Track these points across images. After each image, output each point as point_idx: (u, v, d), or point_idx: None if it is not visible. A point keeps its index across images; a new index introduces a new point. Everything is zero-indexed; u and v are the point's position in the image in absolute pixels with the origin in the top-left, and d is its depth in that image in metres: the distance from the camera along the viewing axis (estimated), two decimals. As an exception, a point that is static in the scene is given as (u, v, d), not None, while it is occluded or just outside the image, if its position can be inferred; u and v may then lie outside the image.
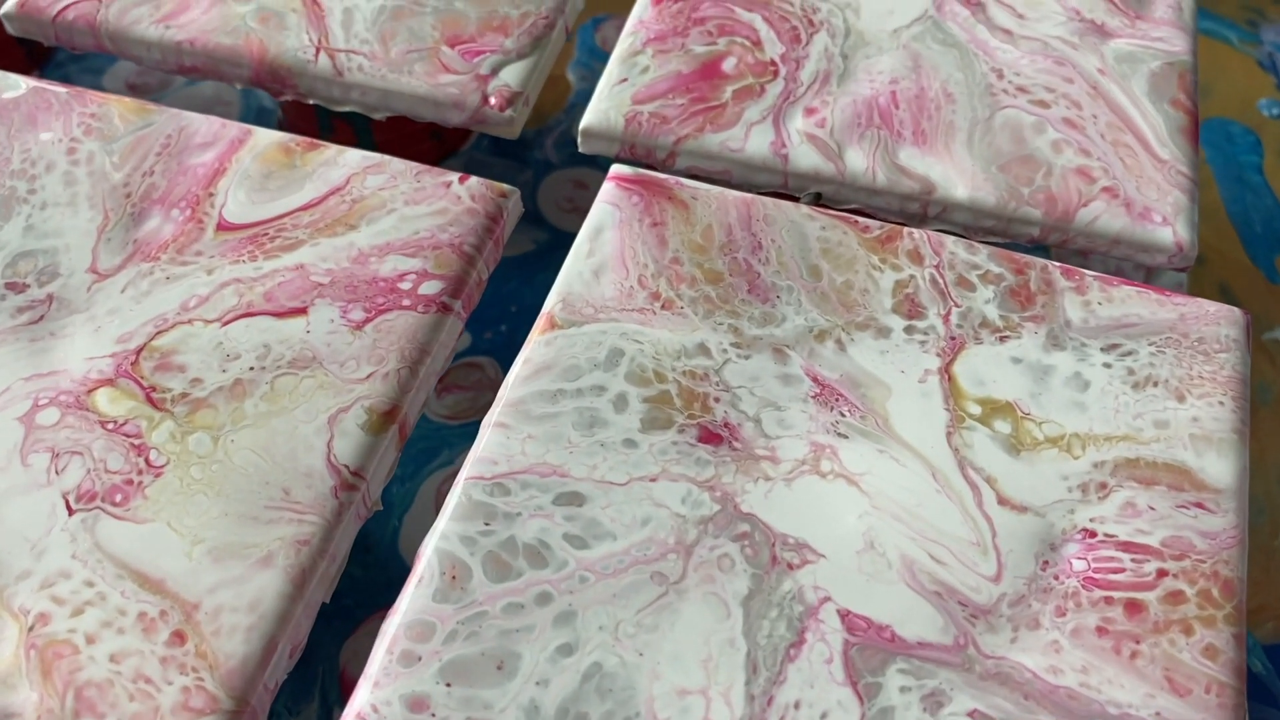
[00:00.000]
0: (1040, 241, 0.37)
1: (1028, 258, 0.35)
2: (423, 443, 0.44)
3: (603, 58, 0.58)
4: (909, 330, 0.34)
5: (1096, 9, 0.42)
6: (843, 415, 0.32)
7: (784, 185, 0.38)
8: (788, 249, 0.35)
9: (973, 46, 0.41)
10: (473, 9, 0.42)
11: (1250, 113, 0.57)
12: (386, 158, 0.38)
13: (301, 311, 0.34)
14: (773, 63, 0.40)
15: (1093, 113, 0.39)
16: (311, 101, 0.41)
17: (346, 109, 0.41)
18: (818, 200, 0.38)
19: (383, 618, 0.29)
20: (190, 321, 0.34)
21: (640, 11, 0.42)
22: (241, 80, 0.41)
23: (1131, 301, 0.34)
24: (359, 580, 0.41)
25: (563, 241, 0.51)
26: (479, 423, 0.46)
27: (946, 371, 0.33)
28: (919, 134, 0.38)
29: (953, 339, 0.33)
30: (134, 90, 0.55)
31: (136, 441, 0.31)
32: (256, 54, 0.41)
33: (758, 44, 0.41)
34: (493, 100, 0.40)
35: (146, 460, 0.31)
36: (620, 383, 0.32)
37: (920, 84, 0.40)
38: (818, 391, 0.32)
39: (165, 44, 0.41)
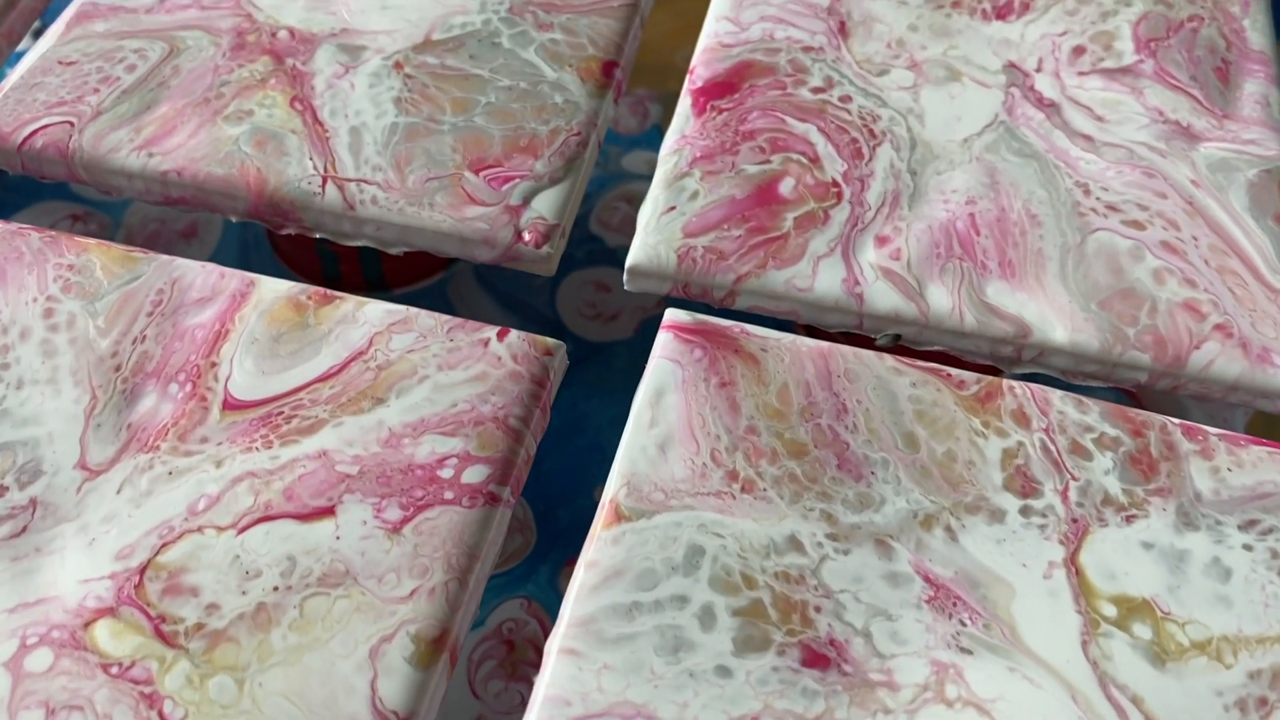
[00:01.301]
0: (1149, 387, 0.33)
1: (1144, 415, 0.32)
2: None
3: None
4: (1025, 512, 0.30)
5: (1180, 108, 0.39)
6: (964, 624, 0.28)
7: (858, 326, 0.34)
8: (877, 412, 0.31)
9: (1052, 157, 0.37)
10: (496, 126, 0.37)
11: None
12: (412, 311, 0.33)
13: (329, 512, 0.29)
14: (835, 183, 0.36)
15: (1192, 234, 0.35)
16: (318, 235, 0.37)
17: (359, 244, 0.36)
18: (897, 341, 0.34)
19: None
20: (200, 529, 0.29)
21: (681, 125, 0.38)
22: (237, 213, 0.37)
23: (1264, 465, 0.31)
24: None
25: (587, 354, 0.47)
26: (505, 576, 0.41)
27: (1073, 563, 0.29)
28: (1006, 265, 0.34)
29: (1075, 521, 0.29)
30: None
31: (147, 689, 0.27)
32: (254, 186, 0.36)
33: (816, 160, 0.37)
34: (526, 236, 0.35)
35: (160, 714, 0.26)
36: (705, 590, 0.28)
37: (1000, 204, 0.36)
38: (932, 594, 0.28)
39: (149, 175, 0.36)
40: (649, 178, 0.52)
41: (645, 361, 0.50)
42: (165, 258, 0.34)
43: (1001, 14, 0.41)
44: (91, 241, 0.35)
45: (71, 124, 0.37)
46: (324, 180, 0.36)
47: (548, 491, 0.43)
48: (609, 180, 0.52)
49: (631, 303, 0.48)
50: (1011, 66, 0.40)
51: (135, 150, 0.37)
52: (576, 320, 0.48)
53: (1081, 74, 0.39)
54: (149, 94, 0.38)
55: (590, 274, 0.49)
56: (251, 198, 0.36)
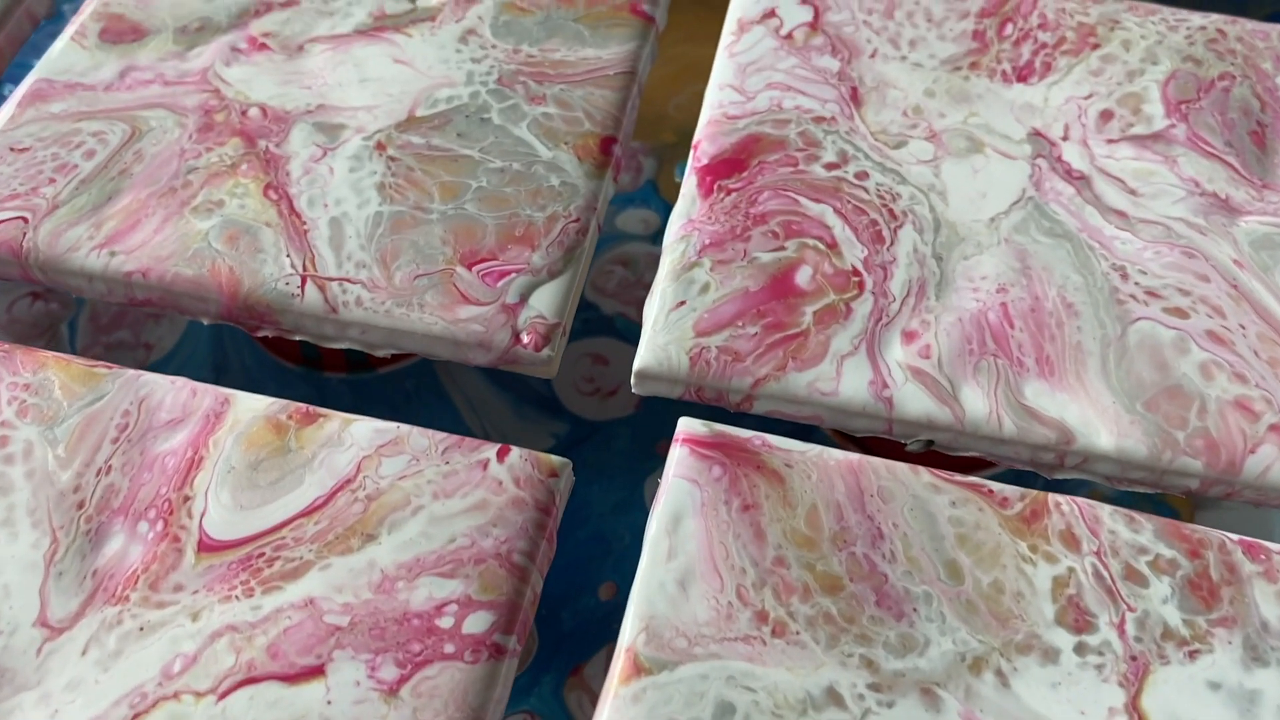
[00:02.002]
0: (1201, 494, 0.31)
1: (1200, 532, 0.29)
2: None
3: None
4: (1080, 649, 0.27)
5: (1216, 178, 0.36)
6: (1022, 788, 0.25)
7: (887, 431, 0.32)
8: (916, 538, 0.29)
9: (1085, 236, 0.35)
10: (488, 214, 0.35)
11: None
12: (403, 430, 0.30)
13: (318, 672, 0.26)
14: (855, 271, 0.34)
15: (1239, 321, 0.33)
16: (297, 338, 0.34)
17: (342, 346, 0.34)
18: (929, 447, 0.32)
19: None
20: (177, 695, 0.26)
21: (687, 208, 0.35)
22: (209, 316, 0.34)
23: (1334, 587, 0.28)
24: None
25: (585, 433, 0.44)
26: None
27: (1135, 709, 0.26)
28: (1043, 362, 0.32)
29: (1134, 659, 0.27)
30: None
31: None
32: (226, 288, 0.33)
33: (833, 246, 0.34)
34: (525, 338, 0.33)
35: None
36: (736, 754, 0.25)
37: (1034, 292, 0.33)
38: (985, 753, 0.26)
39: (110, 276, 0.34)
40: (645, 238, 0.50)
41: (648, 441, 0.48)
42: (130, 373, 0.31)
43: (1022, 76, 0.39)
44: (49, 356, 0.32)
45: (25, 219, 0.34)
46: (303, 280, 0.33)
47: (549, 591, 0.40)
48: (603, 242, 0.49)
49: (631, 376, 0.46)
50: (1036, 135, 0.37)
51: (96, 249, 0.34)
52: (573, 397, 0.45)
53: (1111, 141, 0.37)
54: (109, 183, 0.35)
55: (586, 345, 0.46)
56: (224, 301, 0.33)
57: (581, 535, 0.42)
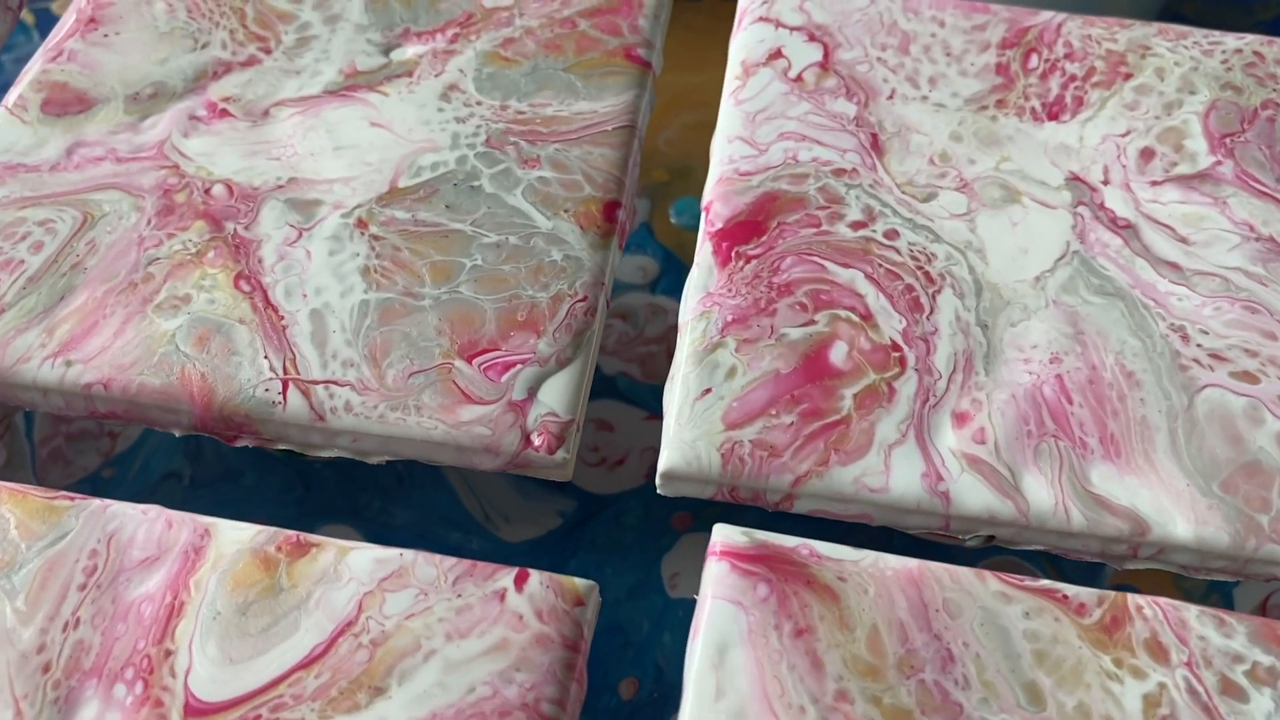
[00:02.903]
0: (1288, 582, 0.28)
1: (1299, 632, 0.27)
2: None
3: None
4: (1183, 783, 0.24)
5: (1271, 220, 0.33)
6: None
7: (944, 528, 0.29)
8: (990, 658, 0.26)
9: (1139, 294, 0.32)
10: (486, 297, 0.31)
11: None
12: (407, 557, 0.27)
13: None
14: (895, 346, 0.31)
15: (1313, 383, 0.30)
16: (281, 448, 0.30)
17: (331, 455, 0.30)
18: (989, 542, 0.29)
19: None
20: None
21: (704, 279, 0.32)
22: (180, 428, 0.30)
23: None
24: None
25: (593, 509, 0.41)
26: None
27: None
28: (1108, 441, 0.29)
29: (1243, 790, 0.24)
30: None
31: None
32: (199, 397, 0.30)
33: (868, 317, 0.31)
34: (536, 439, 0.29)
35: None
36: None
37: (1090, 360, 0.31)
38: None
39: (68, 389, 0.30)
40: (644, 287, 0.47)
41: (663, 514, 0.44)
42: (96, 503, 0.28)
43: (1054, 114, 0.36)
44: (5, 489, 0.28)
45: (-32, 327, 0.31)
46: (284, 385, 0.30)
47: (566, 691, 0.37)
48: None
49: (640, 442, 0.43)
50: (1075, 180, 0.34)
51: (49, 358, 0.30)
52: (579, 469, 0.42)
53: (1155, 184, 0.34)
54: (61, 280, 0.32)
55: (588, 411, 0.43)
56: (197, 412, 0.30)
57: (597, 626, 0.39)
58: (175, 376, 0.30)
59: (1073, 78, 0.37)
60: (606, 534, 0.40)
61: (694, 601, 0.27)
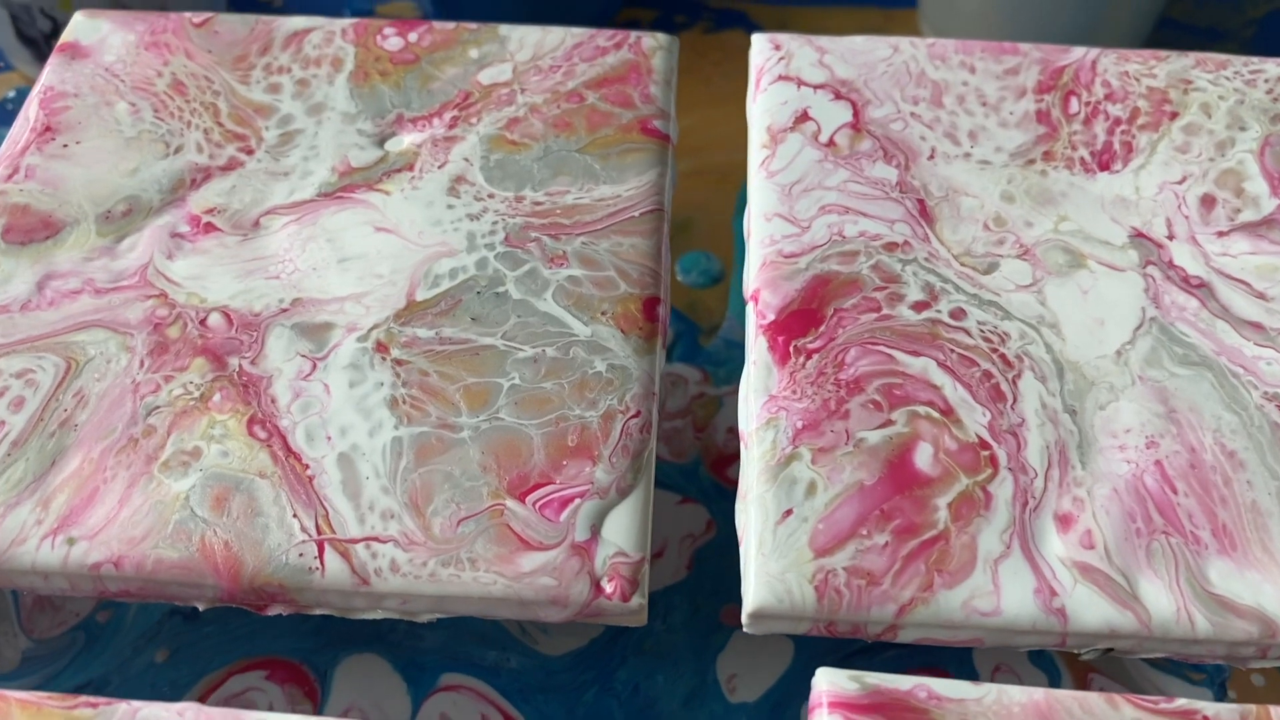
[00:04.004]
0: None
1: None
2: None
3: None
4: None
5: (1347, 266, 0.32)
6: None
7: (1060, 645, 0.27)
8: (1140, 803, 0.24)
9: (1225, 361, 0.30)
10: (530, 421, 0.28)
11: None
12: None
13: None
14: (983, 443, 0.28)
15: None
16: (319, 612, 0.27)
17: (377, 617, 0.27)
18: (1108, 654, 0.27)
19: None
20: None
21: (764, 380, 0.29)
22: (206, 601, 0.27)
23: None
24: None
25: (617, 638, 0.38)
26: None
27: None
28: (1220, 533, 0.27)
29: None
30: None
31: None
32: (225, 569, 0.26)
33: (948, 412, 0.29)
34: (608, 586, 0.26)
35: None
36: None
37: (1187, 442, 0.28)
38: None
39: (73, 571, 0.27)
40: (657, 357, 0.44)
41: (711, 608, 0.42)
42: (123, 707, 0.25)
43: (1104, 163, 0.34)
44: (13, 699, 0.25)
45: (-52, 507, 0.27)
46: (319, 546, 0.27)
47: (631, 821, 0.34)
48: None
49: (677, 530, 0.40)
50: (1139, 236, 0.32)
51: (48, 536, 0.27)
52: (613, 565, 0.39)
53: (1221, 234, 0.32)
54: (50, 442, 0.28)
55: (616, 499, 0.40)
56: (224, 585, 0.26)
57: (655, 742, 0.36)
58: (195, 547, 0.27)
59: (1117, 121, 0.35)
60: (654, 637, 0.38)
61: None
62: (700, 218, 0.48)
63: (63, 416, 0.28)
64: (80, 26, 0.37)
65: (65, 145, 0.34)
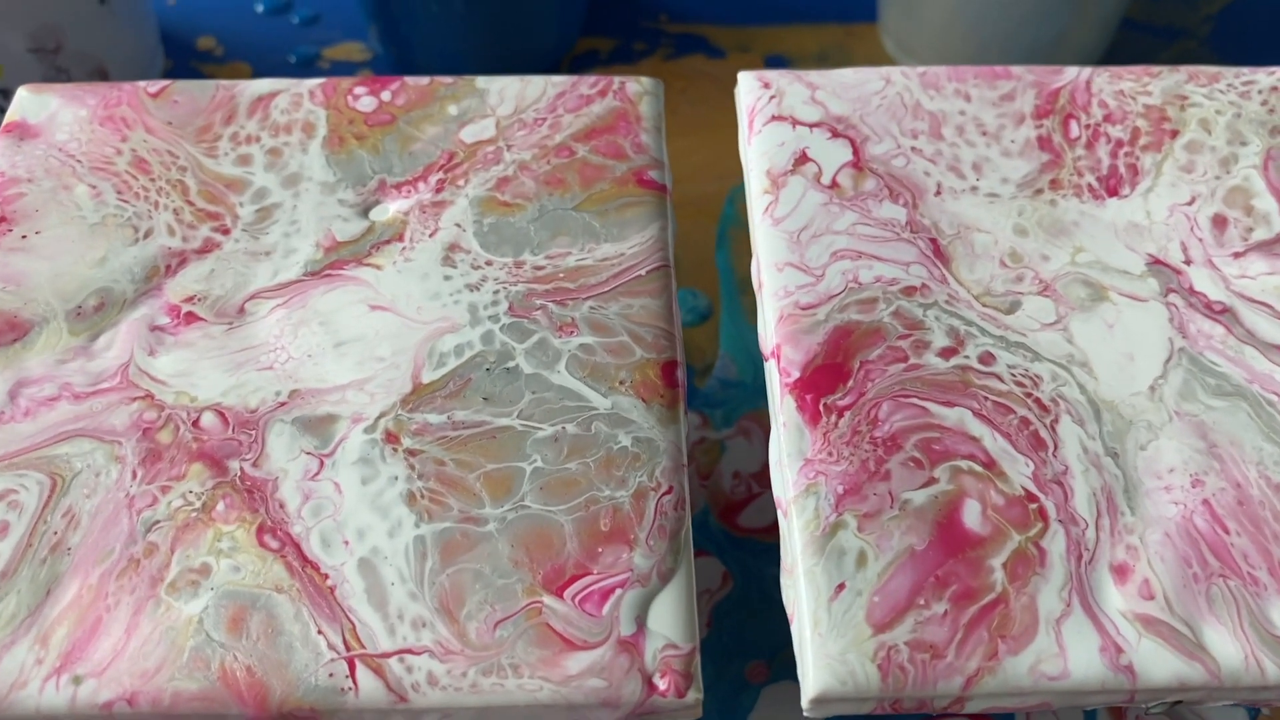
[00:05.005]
0: None
1: None
2: None
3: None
4: None
5: (1364, 280, 0.31)
6: None
7: (1128, 703, 0.26)
8: None
9: (1258, 389, 0.29)
10: (558, 507, 0.27)
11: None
12: None
13: None
14: (1030, 496, 0.27)
15: None
16: (352, 732, 0.26)
17: (415, 732, 0.26)
18: (1174, 707, 0.26)
19: None
20: None
21: (796, 443, 0.28)
22: (228, 732, 0.25)
23: None
24: None
25: (656, 672, 0.37)
26: None
27: None
28: (1277, 571, 0.27)
29: None
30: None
31: None
32: (250, 696, 0.25)
33: (990, 465, 0.28)
34: (661, 683, 0.25)
35: None
36: None
37: (1232, 477, 0.28)
38: None
39: (82, 713, 0.24)
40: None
41: (736, 666, 0.40)
42: None
43: (1112, 189, 0.33)
44: None
45: (-64, 652, 0.25)
46: (350, 664, 0.25)
47: None
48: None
49: (697, 584, 0.38)
50: (1157, 264, 0.31)
51: (51, 676, 0.25)
52: (629, 628, 0.38)
53: (1237, 255, 0.32)
54: (42, 569, 0.26)
55: (625, 557, 0.39)
56: (250, 714, 0.25)
57: (693, 812, 0.35)
58: (215, 675, 0.25)
59: (1120, 143, 0.34)
60: (679, 701, 0.36)
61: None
62: (682, 253, 0.47)
63: (53, 540, 0.26)
64: (26, 103, 0.34)
65: (24, 236, 0.31)
